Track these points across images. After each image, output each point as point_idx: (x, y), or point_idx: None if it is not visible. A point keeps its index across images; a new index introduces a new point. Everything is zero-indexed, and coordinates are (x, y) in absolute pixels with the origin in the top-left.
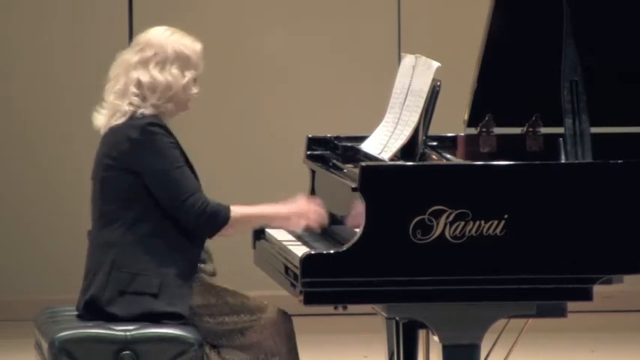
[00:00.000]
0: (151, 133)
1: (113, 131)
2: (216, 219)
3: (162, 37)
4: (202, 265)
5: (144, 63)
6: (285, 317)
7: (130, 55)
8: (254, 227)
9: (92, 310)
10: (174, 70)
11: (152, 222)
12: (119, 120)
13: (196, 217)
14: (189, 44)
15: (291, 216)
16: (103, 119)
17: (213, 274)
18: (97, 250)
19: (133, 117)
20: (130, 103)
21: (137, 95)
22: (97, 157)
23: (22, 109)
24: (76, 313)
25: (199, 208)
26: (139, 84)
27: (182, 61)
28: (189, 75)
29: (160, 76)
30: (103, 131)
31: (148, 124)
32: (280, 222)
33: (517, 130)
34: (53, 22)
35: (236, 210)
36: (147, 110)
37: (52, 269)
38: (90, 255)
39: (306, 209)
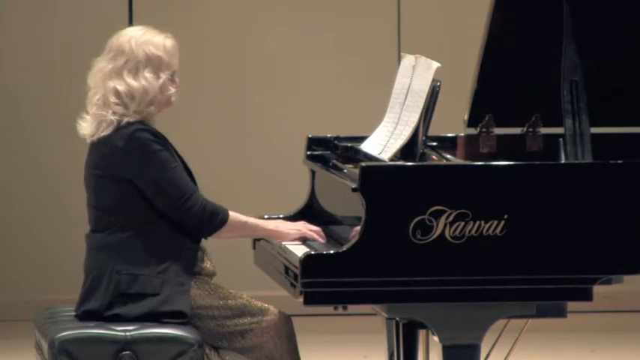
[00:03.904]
0: (138, 140)
1: (102, 142)
2: (215, 219)
3: (132, 41)
4: (202, 265)
5: (118, 71)
6: (286, 320)
7: (103, 64)
8: (251, 237)
9: (93, 317)
10: (148, 74)
11: (146, 224)
12: (106, 130)
13: (197, 216)
14: (159, 44)
15: (289, 233)
16: (89, 128)
17: (213, 273)
18: (95, 255)
19: (119, 127)
20: (114, 113)
21: (118, 104)
22: (87, 167)
23: (22, 108)
24: (76, 314)
25: (199, 208)
26: (117, 93)
27: (154, 63)
28: (163, 76)
29: (136, 83)
30: (89, 140)
31: (134, 132)
32: (276, 237)
33: (517, 131)
34: (53, 22)
35: (234, 214)
36: (131, 118)
37: (52, 269)
38: (88, 259)
39: (303, 229)
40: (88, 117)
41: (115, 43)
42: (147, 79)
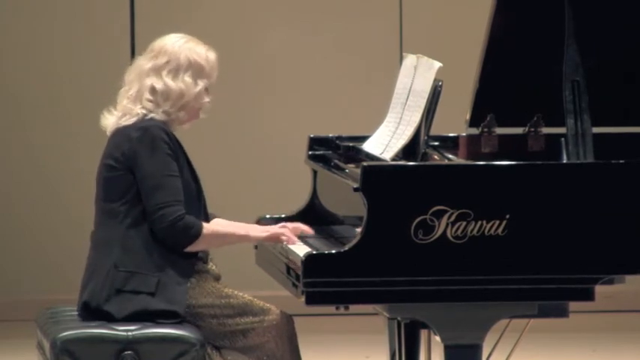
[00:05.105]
0: (151, 135)
1: (119, 132)
2: (186, 234)
3: (176, 44)
4: (207, 267)
5: (157, 70)
6: (288, 320)
7: (143, 62)
8: (227, 244)
9: (89, 309)
10: (187, 79)
11: (148, 221)
12: (128, 121)
13: (166, 228)
14: (202, 53)
15: (261, 239)
16: (112, 119)
17: (218, 277)
18: (98, 249)
19: (142, 119)
20: (143, 107)
21: (151, 101)
22: (102, 159)
23: (22, 108)
24: (77, 312)
25: (171, 221)
26: (153, 90)
27: (195, 69)
28: (201, 84)
29: (173, 84)
30: (109, 131)
31: (151, 126)
32: (252, 242)
33: (519, 130)
34: (53, 22)
35: (208, 227)
36: (157, 116)
37: (52, 269)
38: (91, 253)
39: (278, 231)
40: (115, 112)
41: (157, 44)
42: (185, 82)
